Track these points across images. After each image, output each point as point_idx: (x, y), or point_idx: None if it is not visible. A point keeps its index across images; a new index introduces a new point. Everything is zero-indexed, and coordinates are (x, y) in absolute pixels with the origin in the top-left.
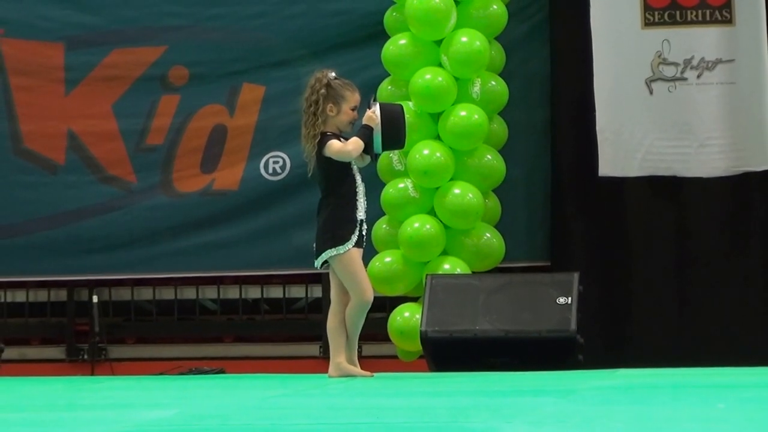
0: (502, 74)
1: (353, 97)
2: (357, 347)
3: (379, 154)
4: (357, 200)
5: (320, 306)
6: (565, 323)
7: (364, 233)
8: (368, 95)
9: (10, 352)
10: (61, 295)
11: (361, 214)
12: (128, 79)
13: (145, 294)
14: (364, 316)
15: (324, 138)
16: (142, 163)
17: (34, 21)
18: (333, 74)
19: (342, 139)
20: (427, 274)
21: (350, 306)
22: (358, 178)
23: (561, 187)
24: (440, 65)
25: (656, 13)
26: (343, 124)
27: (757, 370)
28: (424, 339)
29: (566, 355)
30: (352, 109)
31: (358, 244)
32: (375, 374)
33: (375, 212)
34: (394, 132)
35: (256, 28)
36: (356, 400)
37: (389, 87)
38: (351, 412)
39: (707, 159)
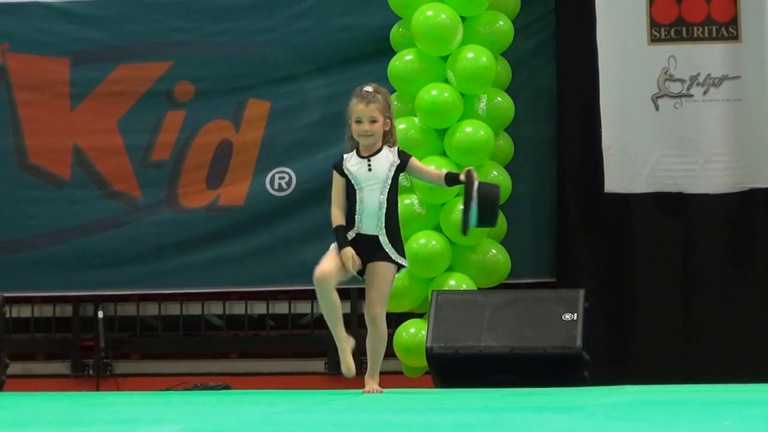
0: (509, 90)
1: (356, 109)
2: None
3: (469, 228)
4: (354, 216)
5: (325, 322)
6: (571, 340)
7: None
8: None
9: (15, 368)
10: (67, 310)
11: (351, 233)
12: (134, 95)
13: (151, 309)
14: (320, 295)
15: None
16: (147, 179)
17: (39, 36)
18: (364, 88)
19: (355, 154)
20: (432, 291)
21: None
22: (361, 195)
23: (567, 204)
24: (446, 81)
25: (662, 29)
26: (356, 138)
27: (764, 386)
28: (430, 355)
29: (572, 372)
30: (356, 122)
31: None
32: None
33: None
34: (491, 211)
35: (262, 44)
36: (361, 416)
37: (395, 103)
38: (356, 428)
39: (713, 175)
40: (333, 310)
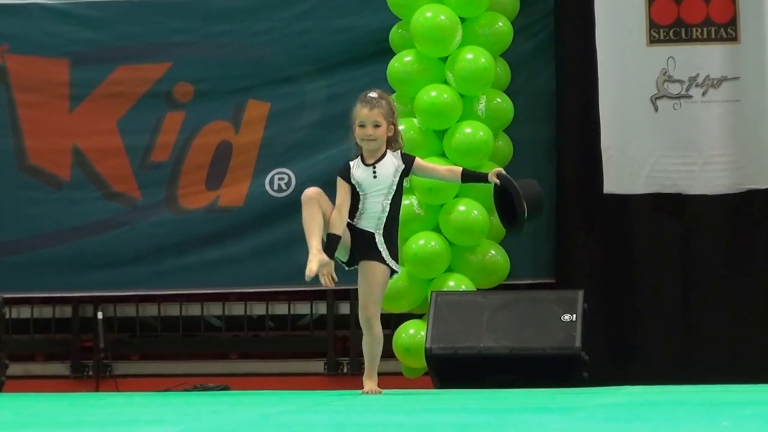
0: (508, 91)
1: (360, 113)
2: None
3: (523, 229)
4: (354, 214)
5: (325, 323)
6: (570, 340)
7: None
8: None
9: (15, 368)
10: (66, 311)
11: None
12: (133, 96)
13: (150, 310)
14: (304, 209)
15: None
16: (147, 180)
17: (39, 37)
18: (369, 94)
19: (360, 163)
20: (432, 291)
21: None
22: (365, 201)
23: (566, 205)
24: (445, 82)
25: (661, 30)
26: (359, 143)
27: (762, 387)
28: (429, 356)
29: (571, 373)
30: (359, 126)
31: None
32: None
33: None
34: (540, 207)
35: (261, 45)
36: (360, 416)
37: (394, 104)
38: (355, 428)
39: (712, 176)
40: (313, 220)
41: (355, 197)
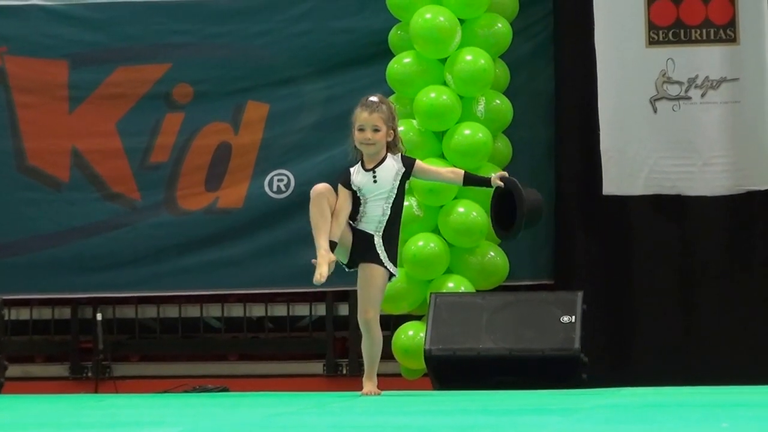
0: (507, 93)
1: (359, 117)
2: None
3: (520, 229)
4: (356, 217)
5: (324, 324)
6: (569, 342)
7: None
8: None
9: (14, 370)
10: (65, 312)
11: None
12: (133, 97)
13: (149, 312)
14: (313, 205)
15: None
16: (146, 181)
17: (38, 38)
18: (369, 98)
19: (360, 167)
20: (431, 293)
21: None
22: (366, 205)
23: (565, 206)
24: (445, 83)
25: (661, 31)
26: (358, 147)
27: (762, 388)
28: (428, 357)
29: (570, 374)
30: (359, 130)
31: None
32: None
33: None
34: (539, 216)
35: (260, 46)
36: (360, 418)
37: (395, 109)
38: (354, 430)
39: (711, 178)
40: (322, 217)
41: (356, 201)
